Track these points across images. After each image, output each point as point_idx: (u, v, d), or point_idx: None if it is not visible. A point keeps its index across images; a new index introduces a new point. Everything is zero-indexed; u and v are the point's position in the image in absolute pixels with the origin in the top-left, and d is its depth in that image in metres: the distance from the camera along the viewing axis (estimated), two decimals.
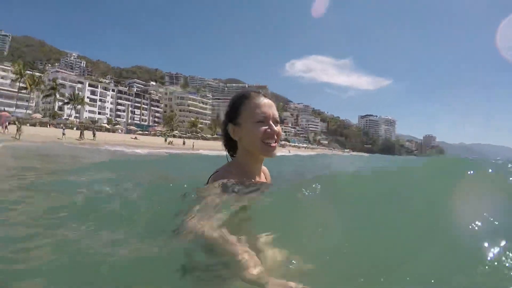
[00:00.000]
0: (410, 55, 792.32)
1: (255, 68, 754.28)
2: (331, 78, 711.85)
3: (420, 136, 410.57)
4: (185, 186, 2.81)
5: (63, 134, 52.63)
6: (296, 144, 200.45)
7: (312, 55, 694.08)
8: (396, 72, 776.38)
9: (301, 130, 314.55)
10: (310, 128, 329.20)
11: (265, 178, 2.68)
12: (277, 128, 2.38)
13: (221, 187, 2.21)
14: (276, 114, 2.41)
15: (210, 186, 2.33)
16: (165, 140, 79.80)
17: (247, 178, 2.41)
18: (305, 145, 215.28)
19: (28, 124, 64.84)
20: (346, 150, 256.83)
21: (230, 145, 2.55)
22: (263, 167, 2.68)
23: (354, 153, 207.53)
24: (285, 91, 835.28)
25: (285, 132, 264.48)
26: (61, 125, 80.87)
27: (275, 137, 2.36)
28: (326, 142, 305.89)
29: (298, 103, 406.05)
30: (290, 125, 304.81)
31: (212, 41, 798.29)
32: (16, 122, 48.13)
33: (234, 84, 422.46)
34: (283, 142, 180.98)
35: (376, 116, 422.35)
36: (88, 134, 63.80)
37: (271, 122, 2.36)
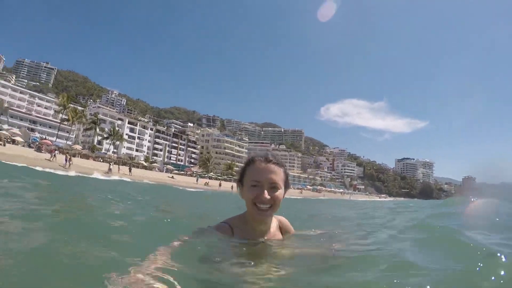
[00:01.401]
0: (445, 95, 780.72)
1: (291, 112, 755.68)
2: (366, 121, 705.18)
3: (459, 178, 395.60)
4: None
5: (110, 169, 57.11)
6: (332, 189, 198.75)
7: (347, 99, 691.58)
8: (432, 113, 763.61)
9: (336, 175, 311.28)
10: (346, 173, 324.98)
11: (279, 231, 3.09)
12: (275, 193, 2.64)
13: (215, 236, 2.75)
14: (276, 179, 2.66)
15: (207, 230, 2.89)
16: (197, 181, 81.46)
17: (247, 232, 2.80)
18: (341, 190, 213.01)
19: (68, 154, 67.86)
20: (382, 195, 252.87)
21: None
22: (281, 219, 3.19)
23: (391, 198, 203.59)
24: (321, 136, 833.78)
25: (320, 177, 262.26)
26: (108, 159, 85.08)
27: (267, 202, 2.61)
28: (363, 187, 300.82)
29: (334, 148, 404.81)
30: (325, 169, 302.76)
31: (249, 86, 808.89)
32: (67, 154, 52.70)
33: (270, 128, 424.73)
34: (318, 187, 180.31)
35: (413, 159, 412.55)
36: (124, 169, 66.88)
37: (264, 188, 2.61)
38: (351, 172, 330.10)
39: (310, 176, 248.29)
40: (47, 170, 31.04)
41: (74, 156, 71.93)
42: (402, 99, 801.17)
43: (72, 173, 34.82)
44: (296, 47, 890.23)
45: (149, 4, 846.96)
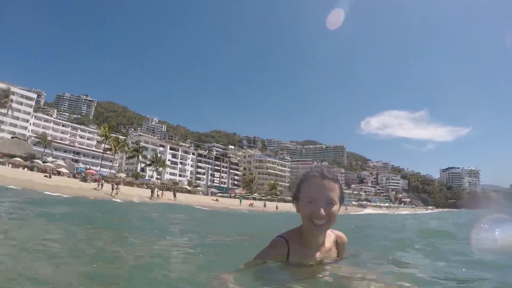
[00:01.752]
0: (487, 100, 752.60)
1: (331, 128, 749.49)
2: (408, 132, 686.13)
3: (507, 185, 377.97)
4: None
5: (153, 194, 57.28)
6: (377, 203, 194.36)
7: (386, 111, 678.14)
8: (474, 119, 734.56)
9: (381, 189, 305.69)
10: (391, 186, 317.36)
11: (335, 246, 3.05)
12: (331, 209, 2.65)
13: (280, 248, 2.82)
14: (332, 195, 2.67)
15: (268, 248, 2.88)
16: (240, 202, 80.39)
17: (303, 245, 2.82)
18: (386, 204, 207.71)
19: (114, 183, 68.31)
20: (429, 207, 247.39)
21: None
22: (340, 234, 3.13)
23: (439, 210, 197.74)
24: (363, 150, 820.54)
25: (365, 192, 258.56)
26: (152, 185, 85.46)
27: (323, 217, 2.63)
28: (408, 199, 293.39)
29: (377, 161, 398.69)
30: (369, 184, 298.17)
31: (287, 104, 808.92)
32: (113, 183, 54.60)
33: (311, 146, 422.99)
34: (364, 203, 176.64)
35: (458, 168, 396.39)
36: (168, 194, 66.68)
37: (320, 204, 2.63)
38: (395, 185, 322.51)
39: (354, 192, 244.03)
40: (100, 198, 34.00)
41: (118, 184, 72.01)
42: (443, 106, 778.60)
43: (118, 200, 36.61)
44: (331, 65, 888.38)
45: (179, 31, 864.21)
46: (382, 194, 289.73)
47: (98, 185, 55.59)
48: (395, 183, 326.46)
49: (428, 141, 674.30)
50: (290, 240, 2.81)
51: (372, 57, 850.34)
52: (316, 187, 2.67)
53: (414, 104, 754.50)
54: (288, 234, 2.88)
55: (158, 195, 57.56)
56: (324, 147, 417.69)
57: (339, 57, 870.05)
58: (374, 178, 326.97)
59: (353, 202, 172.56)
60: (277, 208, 68.26)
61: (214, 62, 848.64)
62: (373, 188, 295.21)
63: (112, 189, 49.96)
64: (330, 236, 2.99)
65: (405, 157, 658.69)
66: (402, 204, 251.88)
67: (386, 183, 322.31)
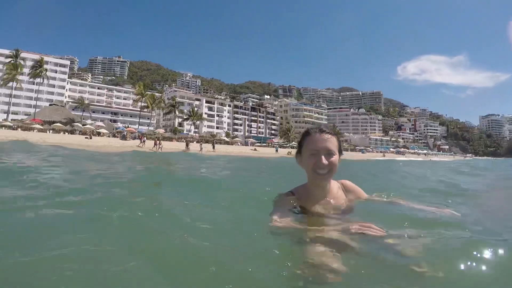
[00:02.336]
0: None
1: (367, 74, 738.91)
2: (446, 77, 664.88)
3: None
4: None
5: (201, 148, 58.16)
6: (415, 151, 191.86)
7: (424, 55, 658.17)
8: None
9: (419, 136, 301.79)
10: (429, 133, 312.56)
11: (340, 194, 3.27)
12: (331, 159, 2.92)
13: (285, 201, 3.12)
14: (331, 146, 2.94)
15: (281, 198, 3.24)
16: (276, 151, 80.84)
17: (310, 198, 3.10)
18: (424, 151, 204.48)
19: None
20: (468, 155, 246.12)
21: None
22: (344, 181, 3.40)
23: (478, 157, 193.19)
24: (400, 96, 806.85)
25: (403, 139, 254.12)
26: (191, 138, 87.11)
27: (325, 167, 2.91)
28: (447, 147, 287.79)
29: (415, 108, 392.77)
30: (407, 131, 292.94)
31: (322, 51, 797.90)
32: (156, 138, 57.29)
33: (347, 93, 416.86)
34: (401, 150, 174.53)
35: (499, 115, 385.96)
36: (207, 146, 67.57)
37: (321, 155, 2.90)
38: (434, 132, 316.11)
39: (392, 139, 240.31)
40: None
41: (160, 139, 73.47)
42: (483, 51, 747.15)
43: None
44: (366, 5, 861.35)
45: None
46: (420, 141, 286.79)
47: (141, 141, 57.60)
48: (434, 130, 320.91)
49: (467, 87, 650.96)
50: (296, 193, 3.20)
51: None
52: (316, 140, 2.95)
53: (452, 48, 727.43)
54: (296, 189, 3.26)
55: (188, 147, 58.21)
56: (360, 93, 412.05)
57: (375, 3, 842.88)
58: (412, 124, 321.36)
59: (391, 149, 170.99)
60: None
61: (244, 11, 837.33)
62: (411, 135, 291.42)
63: (155, 144, 51.34)
64: (335, 184, 3.27)
65: (444, 103, 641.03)
66: (441, 151, 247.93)
67: (424, 130, 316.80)
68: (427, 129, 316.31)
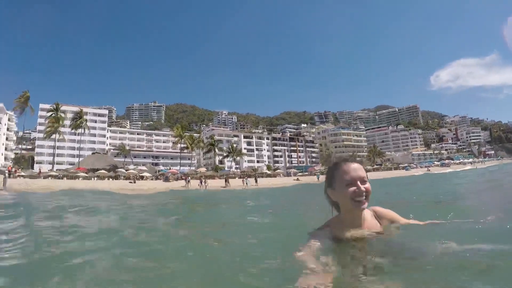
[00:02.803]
0: None
1: (400, 89, 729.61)
2: (480, 80, 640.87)
3: None
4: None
5: (246, 183, 58.62)
6: (460, 161, 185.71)
7: (454, 61, 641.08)
8: None
9: (462, 145, 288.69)
10: (472, 141, 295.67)
11: (374, 221, 3.25)
12: (366, 186, 2.98)
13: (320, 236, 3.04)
14: (363, 174, 3.01)
15: (315, 231, 3.20)
16: (318, 179, 79.67)
17: (345, 228, 3.06)
18: (470, 160, 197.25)
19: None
20: None
21: (335, 203, 3.21)
22: (375, 208, 3.37)
23: None
24: (437, 106, 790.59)
25: (446, 150, 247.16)
26: (233, 175, 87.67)
27: (363, 194, 2.95)
28: (492, 152, 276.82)
29: (454, 116, 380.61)
30: (450, 141, 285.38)
31: (354, 73, 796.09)
32: (201, 178, 59.74)
33: (384, 111, 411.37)
34: (446, 161, 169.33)
35: None
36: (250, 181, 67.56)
37: (358, 183, 2.96)
38: (477, 139, 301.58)
39: (435, 152, 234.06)
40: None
41: (206, 178, 74.12)
42: None
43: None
44: (392, 27, 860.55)
45: (234, 22, 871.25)
46: (464, 150, 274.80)
47: (186, 182, 58.64)
48: (476, 136, 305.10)
49: (503, 86, 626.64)
50: (331, 223, 3.20)
51: (433, 7, 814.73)
52: (349, 171, 2.99)
53: (482, 48, 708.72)
54: (328, 221, 3.28)
55: (228, 183, 58.38)
56: (396, 110, 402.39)
57: (397, 16, 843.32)
58: (454, 134, 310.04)
59: (435, 163, 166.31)
60: None
61: (272, 46, 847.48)
62: (454, 145, 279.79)
63: (200, 183, 52.56)
64: (368, 212, 3.23)
65: (483, 107, 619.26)
66: (487, 157, 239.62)
67: (466, 137, 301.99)
68: (470, 137, 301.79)
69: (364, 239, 3.00)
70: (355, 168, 3.01)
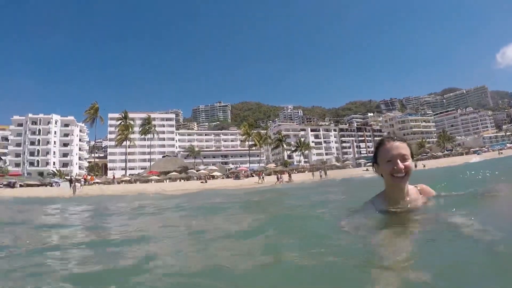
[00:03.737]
0: None
1: (467, 69, 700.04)
2: None
3: None
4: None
5: (321, 175, 60.39)
6: None
7: None
8: None
9: None
10: None
11: (418, 196, 3.47)
12: (406, 163, 3.15)
13: (367, 207, 3.43)
14: (405, 152, 3.18)
15: (364, 205, 3.55)
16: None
17: (389, 202, 3.32)
18: None
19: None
20: None
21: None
22: (421, 186, 3.59)
23: None
24: (507, 85, 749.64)
25: None
26: (302, 168, 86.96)
27: (402, 171, 3.13)
28: None
29: None
30: None
31: (417, 56, 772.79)
32: (278, 173, 62.55)
33: (451, 94, 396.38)
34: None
35: None
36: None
37: (398, 160, 3.13)
38: None
39: (507, 133, 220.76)
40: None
41: (270, 175, 73.16)
42: None
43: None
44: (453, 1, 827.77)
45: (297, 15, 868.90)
46: None
47: (259, 178, 60.08)
48: None
49: None
50: (375, 200, 3.45)
51: None
52: (391, 148, 3.21)
53: None
54: (372, 198, 3.51)
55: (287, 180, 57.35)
56: (464, 91, 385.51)
57: None
58: None
59: (507, 145, 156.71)
60: (424, 166, 64.67)
61: (335, 34, 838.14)
62: None
63: (278, 179, 53.49)
64: (413, 188, 3.44)
65: None
66: None
67: None
68: None
69: (407, 210, 3.24)
70: (397, 146, 3.21)
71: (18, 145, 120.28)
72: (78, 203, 18.96)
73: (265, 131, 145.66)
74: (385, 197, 3.36)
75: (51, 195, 37.01)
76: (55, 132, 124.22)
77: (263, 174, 65.74)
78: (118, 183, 72.52)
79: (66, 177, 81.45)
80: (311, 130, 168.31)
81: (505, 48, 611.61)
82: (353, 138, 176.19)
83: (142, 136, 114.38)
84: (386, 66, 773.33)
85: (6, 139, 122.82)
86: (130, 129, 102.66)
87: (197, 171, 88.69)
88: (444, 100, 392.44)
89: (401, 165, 3.09)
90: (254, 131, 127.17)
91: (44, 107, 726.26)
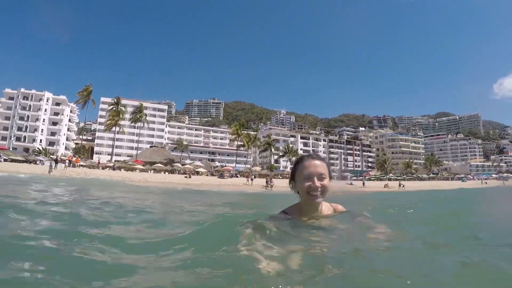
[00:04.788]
0: None
1: (462, 96, 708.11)
2: None
3: None
4: None
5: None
6: None
7: None
8: None
9: None
10: None
11: (331, 213, 3.50)
12: (323, 182, 3.17)
13: (275, 218, 3.36)
14: (322, 171, 3.21)
15: (272, 216, 3.48)
16: (363, 184, 77.12)
17: (302, 215, 3.33)
18: None
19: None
20: None
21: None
22: (336, 205, 3.63)
23: None
24: (500, 116, 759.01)
25: (505, 163, 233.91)
26: (287, 175, 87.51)
27: (319, 189, 3.15)
28: None
29: None
30: (510, 154, 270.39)
31: (415, 78, 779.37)
32: (268, 177, 60.15)
33: (444, 118, 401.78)
34: (505, 175, 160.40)
35: None
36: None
37: (315, 179, 3.16)
38: None
39: (494, 164, 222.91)
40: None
41: (255, 177, 73.70)
42: None
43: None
44: (455, 29, 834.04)
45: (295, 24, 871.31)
46: None
47: (247, 180, 60.54)
48: None
49: None
50: (288, 210, 3.45)
51: (493, 11, 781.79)
52: (309, 166, 3.23)
53: None
54: (288, 209, 3.49)
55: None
56: (457, 117, 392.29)
57: (462, 22, 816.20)
58: None
59: (493, 175, 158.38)
60: (402, 187, 65.49)
61: (334, 45, 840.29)
62: None
63: (266, 182, 53.68)
64: (329, 208, 3.52)
65: None
66: None
67: None
68: None
69: (319, 220, 3.28)
70: (316, 164, 3.24)
71: (7, 118, 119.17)
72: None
73: (256, 133, 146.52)
74: (300, 210, 3.40)
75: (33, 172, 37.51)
76: (45, 110, 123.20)
77: (252, 176, 66.50)
78: (103, 168, 72.73)
79: (51, 156, 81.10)
80: (301, 138, 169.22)
81: (503, 79, 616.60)
82: (342, 151, 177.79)
83: (132, 124, 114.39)
84: (383, 82, 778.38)
85: None
86: (121, 116, 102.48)
87: (182, 165, 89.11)
88: (437, 124, 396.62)
89: (317, 183, 3.16)
90: (245, 131, 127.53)
91: (38, 83, 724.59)
